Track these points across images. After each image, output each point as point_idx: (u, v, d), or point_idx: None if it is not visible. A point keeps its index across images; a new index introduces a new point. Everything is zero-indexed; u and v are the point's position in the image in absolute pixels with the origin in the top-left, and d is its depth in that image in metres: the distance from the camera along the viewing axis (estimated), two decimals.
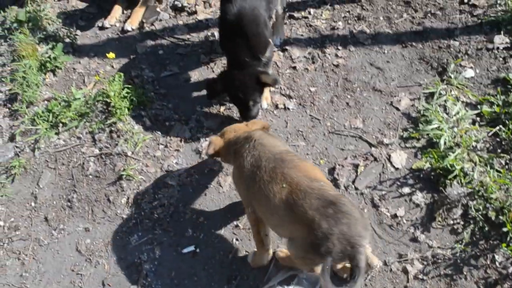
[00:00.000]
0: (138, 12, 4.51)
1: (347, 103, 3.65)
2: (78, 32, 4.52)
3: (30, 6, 4.74)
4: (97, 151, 3.62)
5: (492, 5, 4.08)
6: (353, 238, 2.32)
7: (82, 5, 4.83)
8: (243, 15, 3.31)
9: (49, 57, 4.18)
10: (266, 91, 3.59)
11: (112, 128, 3.69)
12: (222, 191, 3.30)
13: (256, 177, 2.62)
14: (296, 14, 4.28)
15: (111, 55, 3.79)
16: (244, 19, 3.32)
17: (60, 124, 3.77)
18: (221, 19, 3.51)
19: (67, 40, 4.41)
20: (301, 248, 2.46)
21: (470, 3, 4.15)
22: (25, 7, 4.74)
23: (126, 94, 3.76)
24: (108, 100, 3.74)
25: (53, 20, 4.63)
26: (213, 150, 2.93)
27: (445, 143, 3.23)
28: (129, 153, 3.56)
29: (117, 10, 4.60)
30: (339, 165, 3.29)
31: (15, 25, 4.57)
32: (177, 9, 4.51)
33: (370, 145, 3.40)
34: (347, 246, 2.32)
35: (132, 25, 4.44)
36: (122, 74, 3.88)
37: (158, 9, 4.57)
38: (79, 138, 3.72)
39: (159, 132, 3.67)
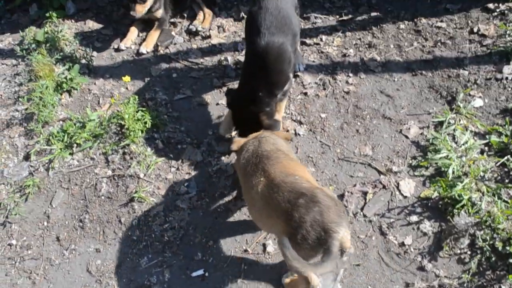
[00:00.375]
0: (153, 35, 4.62)
1: (357, 130, 3.69)
2: (94, 53, 4.62)
3: (48, 27, 4.86)
4: (110, 173, 3.69)
5: (501, 35, 4.14)
6: (327, 225, 2.38)
7: (98, 27, 4.95)
8: (270, 50, 3.31)
9: (65, 77, 4.27)
10: (278, 116, 3.65)
11: (125, 150, 3.75)
12: (231, 215, 3.33)
13: (245, 170, 2.79)
14: (308, 41, 4.36)
15: (126, 78, 3.88)
16: (271, 54, 3.31)
17: (75, 145, 3.85)
18: (247, 51, 3.53)
19: (83, 61, 4.51)
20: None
21: (480, 33, 4.20)
22: (43, 27, 4.87)
23: (140, 117, 3.83)
24: (122, 122, 3.81)
25: (70, 41, 4.74)
26: (235, 147, 3.04)
27: (453, 172, 3.27)
28: (141, 175, 3.62)
29: (133, 33, 4.72)
30: (348, 192, 3.33)
31: (33, 45, 4.68)
32: (192, 33, 4.62)
33: (379, 172, 3.44)
34: (321, 232, 2.38)
35: (147, 48, 4.54)
36: (136, 96, 3.96)
37: (172, 33, 4.68)
38: (92, 159, 3.79)
39: (171, 155, 3.74)
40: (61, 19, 5.05)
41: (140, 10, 4.43)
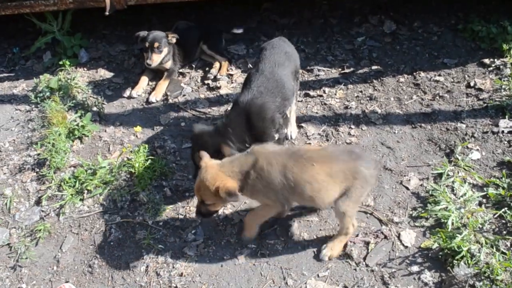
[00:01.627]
0: (162, 85, 4.81)
1: None
2: (105, 101, 4.80)
3: (61, 74, 5.07)
4: (119, 219, 3.79)
5: (497, 89, 4.32)
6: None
7: (109, 75, 5.16)
8: (253, 105, 3.61)
9: (77, 125, 4.44)
10: None
11: (135, 197, 3.87)
12: (238, 263, 3.42)
13: (286, 177, 3.13)
14: (311, 93, 4.55)
15: (138, 128, 4.04)
16: (253, 109, 3.61)
17: (85, 191, 3.97)
18: (235, 100, 3.77)
19: (95, 108, 4.69)
20: None
21: (476, 87, 4.40)
22: (56, 75, 5.07)
23: (150, 165, 3.97)
24: (132, 170, 3.95)
25: (82, 89, 4.94)
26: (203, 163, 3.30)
27: (452, 223, 3.37)
28: (150, 222, 3.73)
29: (143, 81, 4.92)
30: (351, 242, 3.43)
31: (47, 92, 4.87)
32: (205, 81, 4.84)
33: (381, 222, 3.55)
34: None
35: (156, 97, 4.73)
36: (146, 145, 4.11)
37: (182, 84, 4.87)
38: (102, 205, 3.90)
39: (179, 203, 3.85)
40: (74, 67, 5.27)
41: (156, 60, 4.74)
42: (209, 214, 3.39)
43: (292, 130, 4.20)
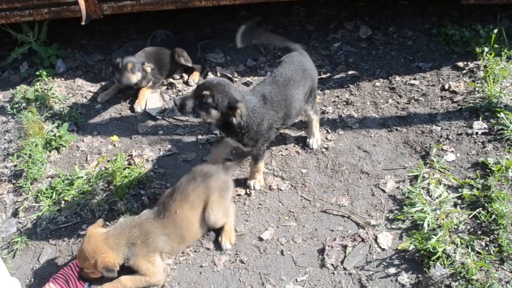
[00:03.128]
0: (144, 94, 4.80)
1: (336, 185, 3.85)
2: (83, 110, 4.78)
3: (38, 85, 5.04)
4: None
5: (471, 91, 4.39)
6: None
7: (87, 85, 5.15)
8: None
9: (54, 135, 4.41)
10: (258, 175, 3.83)
11: (113, 207, 3.85)
12: (216, 270, 3.42)
13: None
14: None
15: (114, 138, 4.03)
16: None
17: (63, 201, 3.94)
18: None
19: (72, 118, 4.66)
20: None
21: (451, 89, 4.46)
22: (33, 85, 5.04)
23: (127, 174, 3.96)
24: (110, 179, 3.93)
25: (59, 99, 4.92)
26: None
27: (428, 225, 3.41)
28: None
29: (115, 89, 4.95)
30: (328, 246, 3.44)
31: (23, 103, 4.84)
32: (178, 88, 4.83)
33: (358, 225, 3.57)
34: None
35: (140, 106, 4.73)
36: (124, 154, 4.10)
37: (164, 95, 4.89)
38: (80, 215, 3.88)
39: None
40: (51, 77, 5.25)
41: (132, 78, 4.71)
42: (90, 279, 3.40)
43: (315, 140, 4.15)
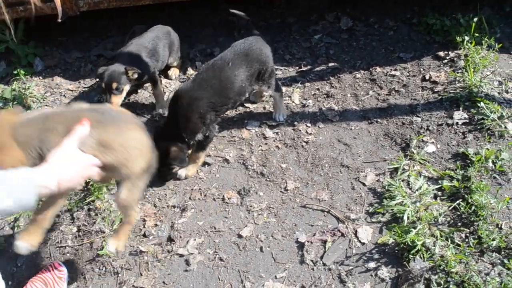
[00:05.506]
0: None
1: (316, 179, 3.81)
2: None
3: (16, 84, 4.96)
4: (75, 229, 3.72)
5: (451, 81, 4.36)
6: None
7: (65, 83, 5.07)
8: (185, 97, 3.73)
9: None
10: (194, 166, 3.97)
11: (91, 207, 3.80)
12: (195, 268, 3.38)
13: None
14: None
15: None
16: (184, 102, 3.72)
17: (40, 203, 3.87)
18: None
19: None
20: None
21: (431, 80, 4.42)
22: (10, 85, 4.96)
23: None
24: (87, 179, 3.87)
25: (37, 98, 4.84)
26: None
27: (408, 218, 3.38)
28: (107, 231, 3.66)
29: None
30: (308, 241, 3.41)
31: (0, 103, 4.76)
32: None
33: (338, 220, 3.54)
34: None
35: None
36: None
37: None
38: (58, 216, 3.82)
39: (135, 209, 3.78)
40: (29, 76, 5.16)
41: (117, 102, 4.27)
42: None
43: (280, 113, 4.32)
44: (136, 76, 4.25)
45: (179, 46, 4.94)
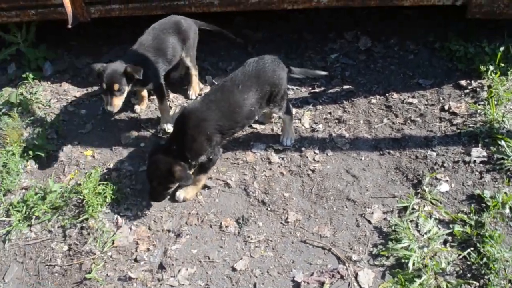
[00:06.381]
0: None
1: (320, 213, 3.61)
2: (65, 117, 4.60)
3: (23, 88, 4.88)
4: (66, 248, 3.60)
5: (471, 114, 4.10)
6: None
7: (73, 89, 4.98)
8: (193, 117, 3.59)
9: (33, 143, 4.24)
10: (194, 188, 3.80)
11: (84, 225, 3.68)
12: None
13: None
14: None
15: (88, 152, 3.83)
16: (190, 123, 3.58)
17: (33, 217, 3.77)
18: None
19: (53, 125, 4.48)
20: None
21: (451, 111, 4.17)
22: (18, 88, 4.88)
23: (101, 191, 3.77)
24: (81, 197, 3.75)
25: (43, 104, 4.75)
26: None
27: (413, 264, 3.16)
28: (97, 253, 3.53)
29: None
30: (304, 281, 3.21)
31: (5, 107, 4.68)
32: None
33: (339, 260, 3.33)
34: None
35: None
36: (98, 169, 3.92)
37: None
38: (50, 232, 3.71)
39: (129, 230, 3.65)
40: (38, 80, 5.07)
41: (118, 104, 4.02)
42: None
43: (288, 138, 4.13)
44: (138, 75, 3.94)
45: (195, 39, 4.51)
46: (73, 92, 4.94)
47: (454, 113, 4.16)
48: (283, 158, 4.00)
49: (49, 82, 5.07)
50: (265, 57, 3.83)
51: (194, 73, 4.63)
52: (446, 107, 4.21)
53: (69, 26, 4.67)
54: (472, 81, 4.38)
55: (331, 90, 4.54)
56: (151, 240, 3.58)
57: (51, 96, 4.90)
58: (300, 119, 4.31)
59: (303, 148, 4.05)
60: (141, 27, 5.19)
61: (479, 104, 4.16)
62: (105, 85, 3.95)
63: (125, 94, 4.07)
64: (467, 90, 4.33)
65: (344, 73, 4.69)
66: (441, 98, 4.31)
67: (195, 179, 3.76)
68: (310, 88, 4.60)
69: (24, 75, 5.02)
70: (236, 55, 5.07)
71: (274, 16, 5.34)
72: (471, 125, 4.01)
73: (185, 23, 4.43)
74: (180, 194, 3.77)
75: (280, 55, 4.92)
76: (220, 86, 3.72)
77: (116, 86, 3.94)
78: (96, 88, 4.92)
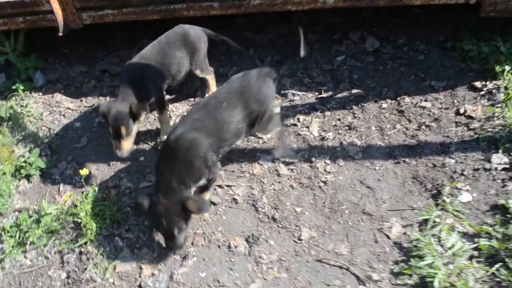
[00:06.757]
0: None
1: (334, 228, 3.38)
2: (59, 131, 4.35)
3: (14, 101, 4.62)
4: (64, 276, 3.36)
5: (489, 117, 3.88)
6: None
7: (66, 100, 4.72)
8: (181, 141, 3.24)
9: (25, 161, 3.99)
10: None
11: (82, 250, 3.44)
12: None
13: None
14: (284, 122, 4.09)
15: (84, 171, 3.57)
16: (180, 147, 3.23)
17: (28, 242, 3.52)
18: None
19: (46, 140, 4.24)
20: None
21: (466, 114, 3.95)
22: (7, 101, 4.62)
23: (99, 212, 3.53)
24: (78, 220, 3.50)
25: (35, 117, 4.51)
26: None
27: (439, 283, 2.94)
28: (98, 280, 3.29)
29: None
30: None
31: None
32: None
33: (358, 279, 3.11)
34: None
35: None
36: (96, 188, 3.68)
37: None
38: (47, 258, 3.47)
39: (131, 253, 3.41)
40: (28, 91, 4.82)
41: (127, 147, 3.79)
42: None
43: (278, 151, 3.89)
44: (144, 114, 3.85)
45: (205, 49, 4.23)
46: (66, 103, 4.68)
47: (470, 117, 3.94)
48: (292, 170, 3.77)
49: (40, 93, 4.82)
50: (252, 72, 3.56)
51: (210, 76, 4.38)
52: (462, 111, 3.99)
53: (60, 34, 4.42)
54: (487, 82, 4.16)
55: (339, 95, 4.31)
56: (156, 264, 3.34)
57: (43, 109, 4.64)
58: (308, 127, 4.07)
59: (313, 158, 3.82)
60: (137, 30, 4.96)
61: (496, 107, 3.94)
62: (112, 131, 3.71)
63: (134, 134, 3.84)
64: (483, 92, 4.11)
65: (352, 76, 4.45)
66: (455, 101, 4.09)
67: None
68: (316, 93, 4.36)
69: (14, 87, 4.77)
70: (237, 60, 4.82)
71: (277, 17, 5.08)
72: (489, 130, 3.79)
73: (194, 33, 4.14)
74: None
75: (283, 58, 4.70)
76: (203, 105, 3.42)
77: (124, 130, 3.69)
78: (90, 98, 4.67)
